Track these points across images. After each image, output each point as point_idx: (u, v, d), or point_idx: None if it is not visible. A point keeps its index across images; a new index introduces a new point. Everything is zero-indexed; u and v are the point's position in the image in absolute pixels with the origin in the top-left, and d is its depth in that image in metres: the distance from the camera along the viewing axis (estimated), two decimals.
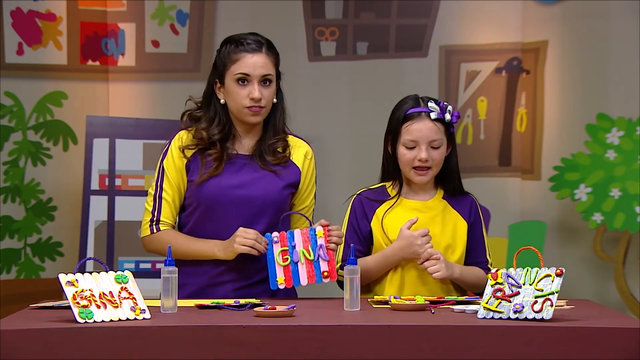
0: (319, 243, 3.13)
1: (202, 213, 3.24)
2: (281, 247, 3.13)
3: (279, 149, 3.28)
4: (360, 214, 3.27)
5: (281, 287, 3.10)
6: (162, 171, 3.27)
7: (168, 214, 3.26)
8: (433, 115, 3.21)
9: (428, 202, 3.28)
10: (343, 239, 3.23)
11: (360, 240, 3.26)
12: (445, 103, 3.24)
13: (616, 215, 4.90)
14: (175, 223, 3.30)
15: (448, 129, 3.24)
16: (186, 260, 3.20)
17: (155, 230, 3.25)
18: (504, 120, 5.22)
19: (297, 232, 3.15)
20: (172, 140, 3.28)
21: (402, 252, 3.18)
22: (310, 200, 3.35)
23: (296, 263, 3.12)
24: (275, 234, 3.14)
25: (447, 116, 3.22)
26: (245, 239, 3.11)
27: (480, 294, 2.86)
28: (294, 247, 3.13)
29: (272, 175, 3.26)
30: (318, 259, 3.12)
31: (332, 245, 3.14)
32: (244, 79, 3.22)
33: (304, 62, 5.31)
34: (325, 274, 3.11)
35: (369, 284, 3.26)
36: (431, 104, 3.22)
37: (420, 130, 3.21)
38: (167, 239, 3.19)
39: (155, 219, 3.25)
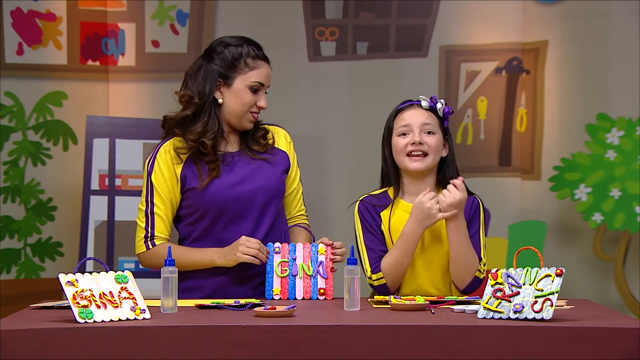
0: (319, 260, 3.13)
1: (212, 217, 3.24)
2: (281, 258, 3.13)
3: (261, 140, 3.30)
4: (369, 217, 3.26)
5: (276, 297, 3.12)
6: (151, 186, 3.23)
7: (162, 229, 3.24)
8: (424, 104, 3.24)
9: None
10: (363, 245, 3.22)
11: (380, 240, 3.23)
12: (440, 100, 3.27)
13: (616, 215, 4.90)
14: (169, 237, 3.28)
15: (442, 122, 3.25)
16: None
17: (150, 246, 3.23)
18: (504, 120, 5.22)
19: (299, 246, 3.16)
20: (158, 154, 3.25)
21: (418, 222, 3.12)
22: (298, 183, 3.38)
23: (294, 276, 3.13)
24: (277, 244, 3.15)
25: (439, 105, 3.24)
26: (248, 247, 3.11)
27: (478, 293, 2.86)
28: (294, 259, 3.14)
29: (266, 164, 3.27)
30: (316, 275, 3.13)
31: (339, 258, 3.15)
32: (257, 89, 3.23)
33: (304, 62, 5.31)
34: (322, 291, 3.12)
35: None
36: (421, 96, 3.26)
37: (412, 116, 3.23)
38: (163, 252, 3.16)
39: (149, 235, 3.23)
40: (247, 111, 3.24)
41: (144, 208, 3.24)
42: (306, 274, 3.13)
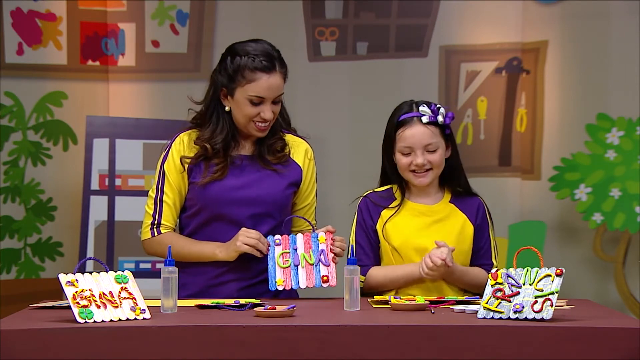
0: (320, 248, 3.13)
1: (207, 215, 3.24)
2: (283, 249, 3.14)
3: (278, 148, 3.28)
4: (367, 215, 3.28)
5: (280, 288, 3.11)
6: (162, 174, 3.25)
7: (169, 217, 3.26)
8: (424, 120, 3.20)
9: (434, 206, 3.28)
10: (353, 239, 3.27)
11: (369, 241, 3.27)
12: (437, 105, 3.24)
13: (616, 215, 4.90)
14: (176, 226, 3.30)
15: (444, 130, 3.24)
16: (186, 261, 3.20)
17: (156, 234, 3.25)
18: (504, 120, 5.22)
19: (299, 236, 3.16)
20: (173, 143, 3.27)
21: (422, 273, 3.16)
22: (312, 199, 3.35)
23: (296, 266, 3.13)
24: (277, 236, 3.15)
25: (440, 118, 3.22)
26: (248, 238, 3.11)
27: (480, 294, 2.87)
28: (295, 250, 3.14)
29: (275, 175, 3.26)
30: (319, 263, 3.13)
31: (337, 250, 3.15)
32: (257, 102, 3.20)
33: (304, 62, 5.31)
34: (325, 278, 3.12)
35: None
36: (422, 108, 3.22)
37: (413, 136, 3.21)
38: (168, 241, 3.19)
39: (156, 222, 3.25)
40: (250, 121, 3.21)
41: (153, 195, 3.26)
42: (308, 262, 3.12)
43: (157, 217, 3.24)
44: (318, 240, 3.14)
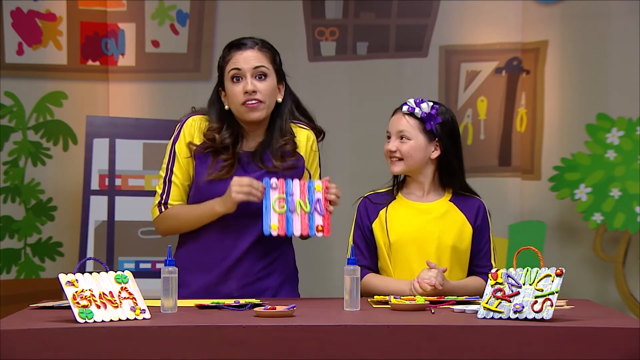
0: (316, 197, 3.12)
1: None
2: (279, 194, 3.12)
3: (286, 152, 3.27)
4: (365, 216, 3.31)
5: (274, 233, 3.09)
6: (173, 154, 3.27)
7: (177, 197, 3.27)
8: (404, 109, 3.30)
9: (431, 204, 3.31)
10: (350, 238, 3.30)
11: (366, 242, 3.30)
12: (429, 103, 3.30)
13: (616, 215, 4.90)
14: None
15: (424, 125, 3.26)
16: (188, 259, 3.20)
17: (163, 210, 3.27)
18: (504, 120, 5.21)
19: (295, 182, 3.14)
20: (184, 124, 3.29)
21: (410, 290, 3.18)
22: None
23: (292, 212, 3.11)
24: (274, 179, 3.12)
25: (417, 110, 3.28)
26: (240, 187, 3.11)
27: (481, 294, 2.87)
28: (291, 195, 3.12)
29: (278, 173, 3.25)
30: (314, 212, 3.11)
31: (332, 197, 3.14)
32: (238, 76, 3.22)
33: (304, 62, 5.31)
34: (319, 227, 3.10)
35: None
36: (409, 100, 3.31)
37: (392, 123, 3.33)
38: (174, 211, 3.24)
39: (163, 201, 3.27)
40: (240, 103, 3.21)
41: (163, 174, 3.29)
42: (303, 210, 3.11)
43: (164, 197, 3.27)
44: (314, 188, 3.13)
